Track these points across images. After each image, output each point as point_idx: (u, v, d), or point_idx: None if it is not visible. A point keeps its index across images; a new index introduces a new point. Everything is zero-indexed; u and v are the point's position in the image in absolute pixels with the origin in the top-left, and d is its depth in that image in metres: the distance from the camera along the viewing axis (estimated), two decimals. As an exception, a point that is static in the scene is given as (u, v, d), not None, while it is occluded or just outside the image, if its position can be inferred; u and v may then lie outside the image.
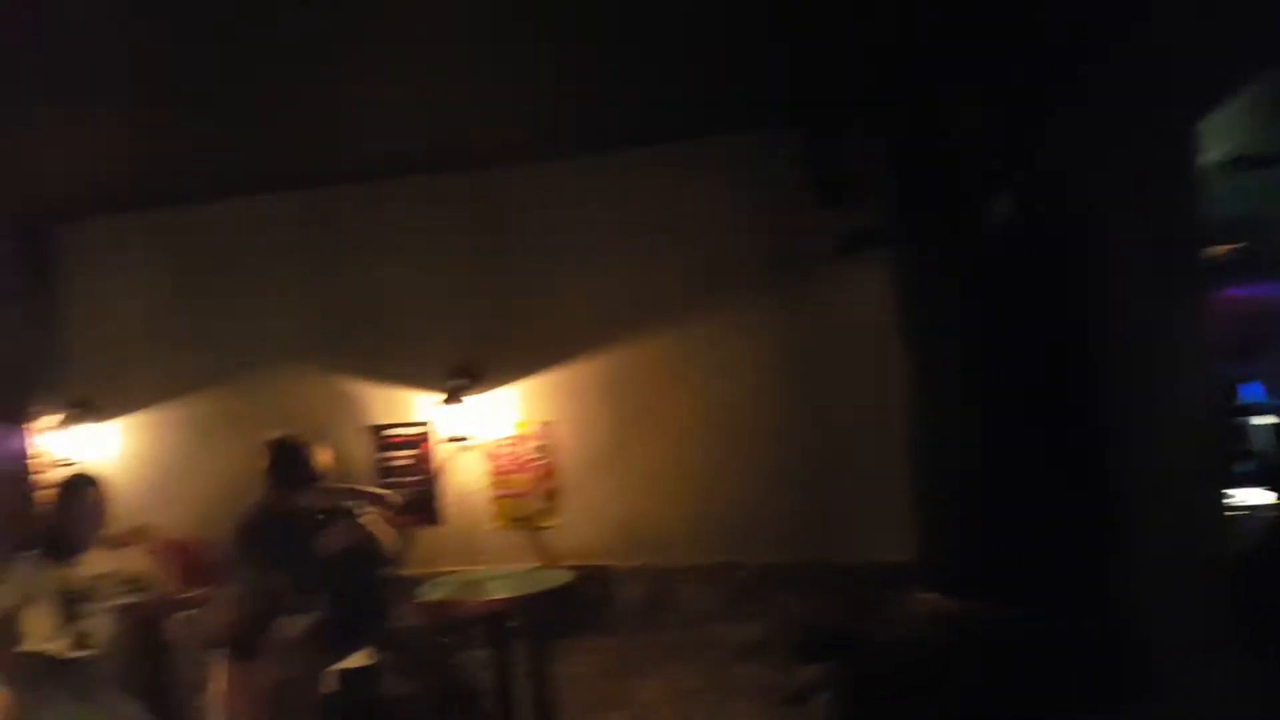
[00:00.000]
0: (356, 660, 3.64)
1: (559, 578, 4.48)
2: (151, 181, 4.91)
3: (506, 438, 4.81)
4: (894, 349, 3.93)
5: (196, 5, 3.04)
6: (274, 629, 3.78)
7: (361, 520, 3.69)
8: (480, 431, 4.81)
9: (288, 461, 3.74)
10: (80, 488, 3.97)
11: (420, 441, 4.89)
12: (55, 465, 5.21)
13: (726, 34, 3.45)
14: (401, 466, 4.89)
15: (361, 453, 4.90)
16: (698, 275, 4.70)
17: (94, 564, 3.92)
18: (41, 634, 3.75)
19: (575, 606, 4.59)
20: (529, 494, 4.77)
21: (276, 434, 3.86)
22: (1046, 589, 3.35)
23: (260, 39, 3.31)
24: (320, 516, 3.64)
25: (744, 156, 4.56)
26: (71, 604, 3.82)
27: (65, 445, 5.27)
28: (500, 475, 4.81)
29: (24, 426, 5.29)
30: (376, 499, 3.84)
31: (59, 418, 5.28)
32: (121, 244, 5.36)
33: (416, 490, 4.84)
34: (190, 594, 4.64)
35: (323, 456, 3.90)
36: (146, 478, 5.31)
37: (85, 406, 5.32)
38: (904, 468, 3.95)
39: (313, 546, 3.59)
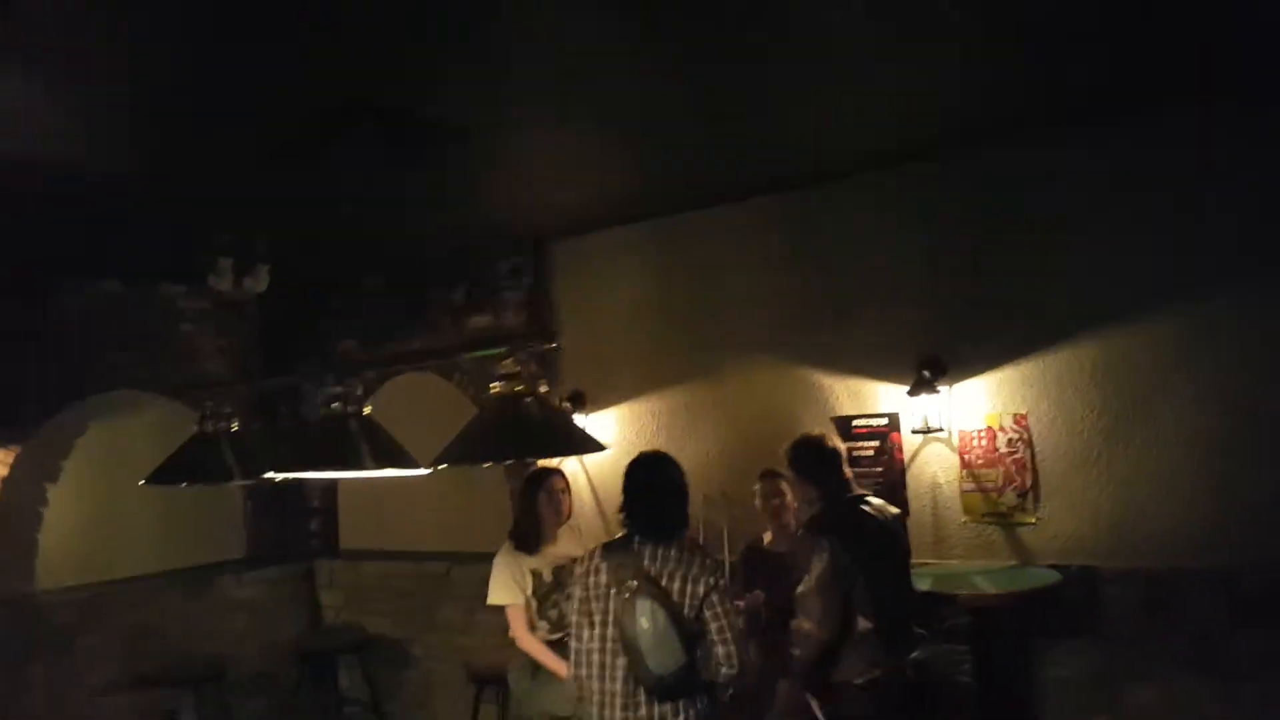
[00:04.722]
0: None
1: (1047, 577, 4.33)
2: (633, 199, 5.45)
3: (977, 430, 4.71)
4: None
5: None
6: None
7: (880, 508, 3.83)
8: (948, 424, 4.75)
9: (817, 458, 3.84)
10: (544, 479, 4.44)
11: (887, 433, 4.94)
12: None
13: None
14: (868, 458, 4.97)
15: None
16: (1213, 249, 4.17)
17: (560, 551, 4.35)
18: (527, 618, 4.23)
19: (1062, 608, 4.41)
20: (1003, 489, 4.63)
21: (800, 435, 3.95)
22: None
23: (737, 68, 3.55)
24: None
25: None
26: (545, 590, 4.29)
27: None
28: (970, 469, 4.72)
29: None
30: None
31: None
32: (606, 254, 6.01)
33: (884, 482, 4.91)
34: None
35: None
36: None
37: (577, 399, 6.03)
38: None
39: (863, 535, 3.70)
